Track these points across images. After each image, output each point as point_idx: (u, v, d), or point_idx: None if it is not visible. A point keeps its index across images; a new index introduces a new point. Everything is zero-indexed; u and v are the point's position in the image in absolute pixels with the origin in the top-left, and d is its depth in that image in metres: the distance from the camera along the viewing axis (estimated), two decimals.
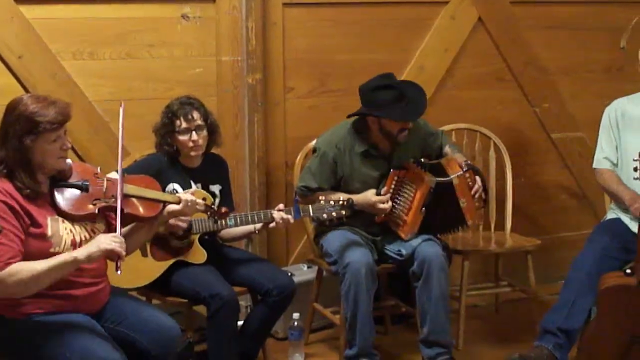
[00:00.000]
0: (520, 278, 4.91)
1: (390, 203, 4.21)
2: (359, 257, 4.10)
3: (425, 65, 5.14)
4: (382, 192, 4.21)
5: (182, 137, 3.99)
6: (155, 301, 4.08)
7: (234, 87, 4.74)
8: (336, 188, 4.31)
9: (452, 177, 4.22)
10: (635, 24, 5.50)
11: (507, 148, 5.05)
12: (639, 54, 4.29)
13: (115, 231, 3.17)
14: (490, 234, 4.99)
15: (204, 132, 4.03)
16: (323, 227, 4.32)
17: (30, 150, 3.07)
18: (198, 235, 3.99)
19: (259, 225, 4.03)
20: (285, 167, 4.91)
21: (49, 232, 3.10)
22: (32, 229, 3.07)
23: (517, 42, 5.33)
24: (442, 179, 4.20)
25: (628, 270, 3.71)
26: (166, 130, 4.02)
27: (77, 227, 3.18)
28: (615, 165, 4.37)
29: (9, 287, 2.97)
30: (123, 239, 3.12)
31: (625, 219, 4.28)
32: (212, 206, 3.75)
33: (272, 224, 3.98)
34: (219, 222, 3.86)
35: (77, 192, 3.22)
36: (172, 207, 3.47)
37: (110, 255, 3.09)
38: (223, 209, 3.76)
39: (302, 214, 4.00)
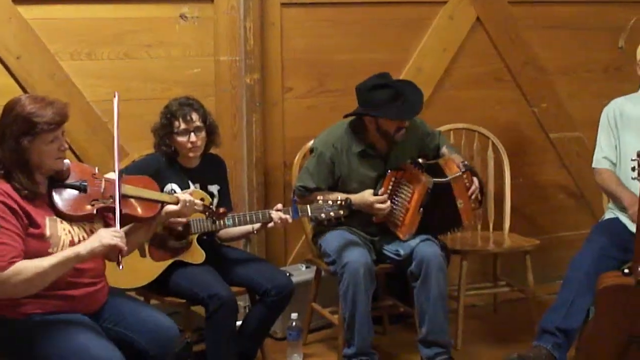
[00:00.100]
0: (518, 278, 4.92)
1: (388, 204, 4.21)
2: (357, 257, 4.10)
3: (423, 65, 5.14)
4: (380, 193, 4.21)
5: (181, 138, 3.99)
6: (153, 301, 4.08)
7: (232, 87, 4.74)
8: (334, 188, 4.31)
9: (449, 177, 4.22)
10: (633, 24, 5.51)
11: (506, 148, 5.05)
12: (637, 53, 4.29)
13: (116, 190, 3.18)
14: (488, 234, 4.99)
15: (203, 134, 4.03)
16: (321, 227, 4.33)
17: (27, 151, 3.07)
18: (196, 236, 3.99)
19: (257, 226, 4.03)
20: (283, 167, 4.90)
21: (48, 233, 3.10)
22: (31, 230, 3.07)
23: (515, 42, 5.33)
24: (440, 179, 4.20)
25: (626, 270, 3.71)
26: (165, 131, 4.01)
27: (75, 227, 3.18)
28: (615, 164, 4.37)
29: (14, 287, 2.97)
30: (123, 233, 3.14)
31: (624, 218, 4.28)
32: (210, 206, 3.75)
33: (271, 224, 3.99)
34: (217, 222, 3.86)
35: (75, 192, 3.22)
36: (170, 208, 3.47)
37: (112, 250, 3.09)
38: (221, 209, 3.76)
39: (300, 214, 4.01)
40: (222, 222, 3.89)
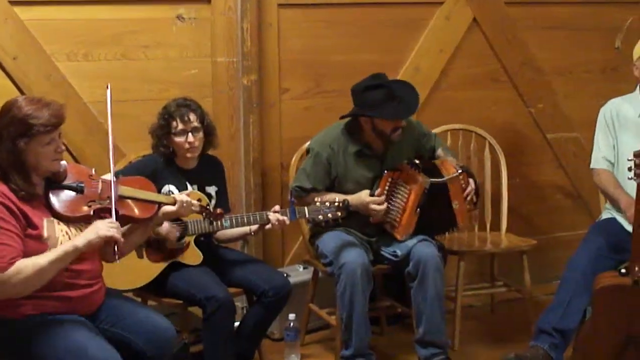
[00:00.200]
0: (515, 278, 4.92)
1: (384, 204, 4.21)
2: (355, 257, 4.10)
3: (420, 66, 5.14)
4: (376, 194, 4.21)
5: (178, 139, 3.99)
6: (150, 302, 4.08)
7: (229, 88, 4.74)
8: (330, 189, 4.31)
9: (446, 178, 4.22)
10: (630, 24, 5.52)
11: (503, 148, 5.05)
12: (634, 54, 4.29)
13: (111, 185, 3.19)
14: (485, 234, 5.00)
15: (200, 134, 4.03)
16: (318, 228, 4.32)
17: (23, 153, 3.07)
18: (194, 237, 3.99)
19: (254, 227, 4.03)
20: (280, 168, 4.90)
21: (45, 234, 3.09)
22: (29, 231, 3.07)
23: (512, 42, 5.33)
24: (436, 179, 4.20)
25: (623, 270, 3.72)
26: (162, 131, 4.02)
27: (72, 228, 3.18)
28: (613, 164, 4.37)
29: (13, 286, 2.98)
30: (119, 224, 3.15)
31: (620, 219, 4.29)
32: (208, 207, 3.75)
33: (268, 226, 3.99)
34: (214, 223, 3.86)
35: (72, 193, 3.22)
36: (167, 208, 3.48)
37: (109, 240, 3.10)
38: (218, 210, 3.77)
39: (297, 215, 4.01)
40: (219, 223, 3.89)
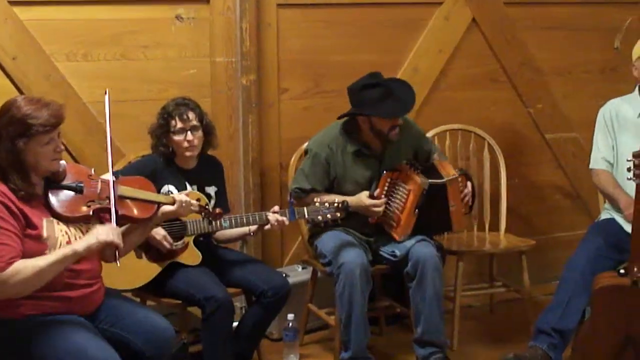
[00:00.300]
0: (514, 278, 4.92)
1: (383, 205, 4.21)
2: (354, 258, 4.10)
3: (419, 66, 5.14)
4: (375, 194, 4.21)
5: (178, 137, 4.00)
6: (149, 303, 4.08)
7: (228, 88, 4.74)
8: (330, 189, 4.31)
9: (446, 179, 4.22)
10: (629, 24, 5.52)
11: (502, 149, 5.06)
12: (633, 54, 4.29)
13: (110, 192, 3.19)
14: (484, 235, 5.00)
15: (199, 133, 4.03)
16: (317, 228, 4.32)
17: (23, 153, 3.07)
18: (193, 237, 3.99)
19: (253, 227, 4.03)
20: (279, 168, 4.90)
21: (45, 234, 3.09)
22: (28, 231, 3.07)
23: (511, 42, 5.33)
24: (435, 180, 4.19)
25: (622, 271, 3.72)
26: (162, 130, 4.02)
27: (71, 228, 3.18)
28: (612, 165, 4.37)
29: (12, 287, 2.97)
30: (119, 229, 3.15)
31: (619, 219, 4.29)
32: (207, 207, 3.75)
33: (267, 226, 3.99)
34: (213, 223, 3.86)
35: (71, 193, 3.21)
36: (166, 208, 3.48)
37: (109, 246, 3.09)
38: (217, 210, 3.77)
39: (297, 216, 4.01)
40: (218, 223, 3.89)
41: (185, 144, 3.99)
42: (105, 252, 3.25)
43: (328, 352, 4.61)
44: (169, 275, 3.94)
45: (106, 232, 3.09)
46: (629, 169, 3.69)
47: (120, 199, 3.28)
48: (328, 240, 4.26)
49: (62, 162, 3.21)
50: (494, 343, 4.74)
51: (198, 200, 3.70)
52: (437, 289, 4.17)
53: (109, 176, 3.30)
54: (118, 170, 3.81)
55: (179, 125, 3.99)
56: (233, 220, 3.96)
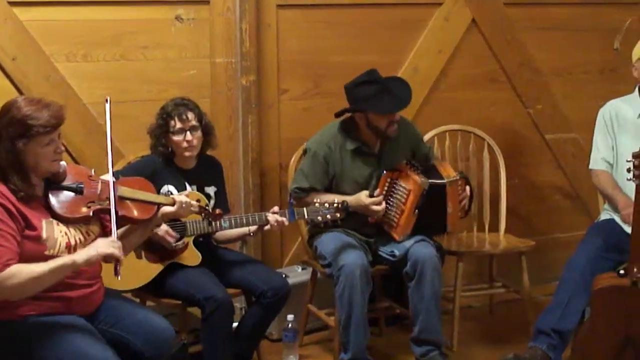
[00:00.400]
0: (514, 279, 4.92)
1: (383, 205, 4.21)
2: (354, 259, 4.10)
3: (419, 66, 5.14)
4: (375, 194, 4.21)
5: (177, 138, 4.00)
6: (149, 303, 4.09)
7: (228, 89, 4.74)
8: (329, 189, 4.31)
9: (447, 180, 4.21)
10: (628, 25, 5.52)
11: (501, 149, 5.05)
12: (633, 55, 4.29)
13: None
14: (484, 235, 5.00)
15: (199, 133, 4.03)
16: (317, 229, 4.32)
17: (22, 153, 3.07)
18: (192, 238, 3.99)
19: (253, 228, 4.03)
20: (279, 169, 4.90)
21: (44, 235, 3.09)
22: (27, 232, 3.07)
23: (510, 43, 5.33)
24: (436, 180, 4.19)
25: (621, 271, 3.72)
26: (161, 131, 4.02)
27: (71, 229, 3.18)
28: (612, 165, 4.37)
29: (6, 289, 2.97)
30: (120, 243, 3.12)
31: (619, 219, 4.29)
32: (207, 207, 3.75)
33: (267, 227, 3.99)
34: (213, 223, 3.86)
35: (71, 194, 3.21)
36: (166, 209, 3.47)
37: (109, 259, 3.08)
38: (217, 211, 3.77)
39: (296, 216, 4.01)
40: (218, 223, 3.89)
41: (185, 144, 4.00)
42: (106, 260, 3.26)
43: (327, 353, 4.61)
44: (168, 276, 3.94)
45: (107, 245, 3.08)
46: (628, 170, 3.69)
47: (120, 199, 3.28)
48: (328, 242, 4.26)
49: (63, 163, 3.21)
50: (494, 344, 4.74)
51: (198, 201, 3.70)
52: (436, 289, 4.17)
53: (109, 177, 3.29)
54: (118, 170, 3.81)
55: (178, 125, 3.99)
56: (233, 221, 3.96)
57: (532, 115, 5.47)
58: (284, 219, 3.98)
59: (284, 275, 4.39)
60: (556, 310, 4.15)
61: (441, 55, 5.21)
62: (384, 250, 4.33)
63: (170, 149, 4.04)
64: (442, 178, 4.22)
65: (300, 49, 4.89)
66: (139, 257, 3.92)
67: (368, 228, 4.34)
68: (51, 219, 3.15)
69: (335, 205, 3.98)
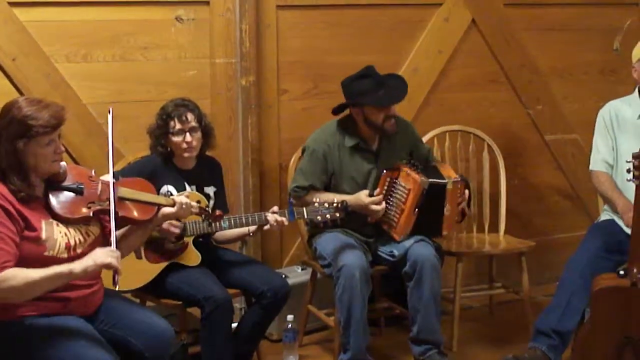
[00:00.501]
0: (514, 280, 4.92)
1: (383, 205, 4.21)
2: (353, 260, 4.10)
3: (418, 67, 5.14)
4: (375, 194, 4.21)
5: (176, 139, 3.99)
6: (149, 303, 4.09)
7: (228, 90, 4.74)
8: (328, 187, 4.32)
9: (448, 181, 4.21)
10: (628, 26, 5.52)
11: (501, 150, 5.06)
12: (633, 56, 4.29)
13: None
14: (484, 236, 5.00)
15: (198, 134, 4.03)
16: (316, 229, 4.32)
17: (22, 154, 3.06)
18: (192, 238, 3.99)
19: (253, 228, 4.03)
20: (279, 169, 4.91)
21: (44, 236, 3.09)
22: (27, 233, 3.06)
23: (510, 43, 5.34)
24: (436, 180, 4.18)
25: (622, 272, 3.72)
26: (160, 131, 4.02)
27: (71, 230, 3.18)
28: (612, 167, 4.37)
29: (1, 292, 2.96)
30: (119, 253, 3.11)
31: (619, 220, 4.29)
32: (207, 209, 3.75)
33: (267, 227, 3.99)
34: (213, 224, 3.86)
35: (71, 195, 3.21)
36: (166, 210, 3.47)
37: (107, 268, 3.08)
38: (217, 212, 3.77)
39: (296, 216, 4.01)
40: (218, 224, 3.89)
41: (184, 145, 3.99)
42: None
43: (327, 353, 4.61)
44: (168, 276, 3.93)
45: (105, 255, 3.06)
46: (628, 170, 3.69)
47: (120, 200, 3.28)
48: (327, 242, 4.26)
49: (63, 163, 3.21)
50: (494, 344, 4.74)
51: (198, 202, 3.70)
52: (435, 289, 4.17)
53: (109, 178, 3.29)
54: (118, 171, 3.80)
55: (178, 126, 3.99)
56: (232, 221, 3.96)
57: (532, 115, 5.48)
58: (283, 218, 3.98)
59: (283, 276, 4.39)
60: (556, 310, 4.15)
61: (441, 56, 5.21)
62: (384, 250, 4.33)
63: (169, 149, 4.04)
64: (443, 178, 4.21)
65: (300, 50, 4.89)
66: (139, 257, 3.92)
67: (367, 228, 4.34)
68: (51, 220, 3.14)
69: (334, 205, 3.98)
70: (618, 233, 4.24)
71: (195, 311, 3.98)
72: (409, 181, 4.18)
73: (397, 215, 4.23)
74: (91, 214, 3.21)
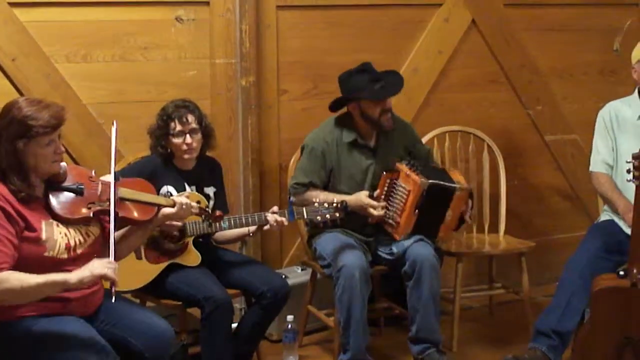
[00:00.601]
0: (514, 280, 4.92)
1: (383, 205, 4.21)
2: (353, 260, 4.10)
3: (418, 67, 5.14)
4: (375, 195, 4.21)
5: (176, 140, 3.99)
6: (149, 303, 4.09)
7: (228, 90, 4.74)
8: (326, 185, 4.32)
9: (458, 186, 4.20)
10: (628, 26, 5.52)
11: (501, 150, 5.06)
12: (633, 57, 4.29)
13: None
14: (484, 236, 5.00)
15: (199, 136, 4.03)
16: (316, 229, 4.32)
17: (22, 154, 3.06)
18: (192, 238, 3.99)
19: (253, 228, 4.03)
20: (279, 169, 4.91)
21: (44, 237, 3.08)
22: (27, 233, 3.06)
23: (510, 44, 5.34)
24: (444, 183, 4.18)
25: (621, 272, 3.72)
26: (161, 132, 4.02)
27: (71, 230, 3.18)
28: (612, 167, 4.37)
29: None
30: (117, 265, 3.10)
31: (619, 220, 4.29)
32: (207, 209, 3.75)
33: (266, 227, 3.99)
34: (213, 225, 3.86)
35: (72, 195, 3.21)
36: (166, 211, 3.46)
37: (103, 279, 3.07)
38: (217, 212, 3.77)
39: (296, 216, 4.01)
40: (218, 224, 3.89)
41: (184, 147, 3.99)
42: (103, 253, 3.25)
43: (327, 354, 4.61)
44: (168, 276, 3.93)
45: (101, 266, 3.05)
46: (628, 171, 3.69)
47: (120, 201, 3.28)
48: (327, 242, 4.26)
49: (63, 164, 3.21)
50: (494, 344, 4.74)
51: (198, 202, 3.70)
52: (434, 289, 4.17)
53: (109, 178, 3.29)
54: (118, 171, 3.80)
55: (178, 127, 3.98)
56: (232, 221, 3.96)
57: (532, 116, 5.48)
58: (283, 219, 3.98)
59: (283, 276, 4.39)
60: (556, 311, 4.15)
61: (441, 56, 5.21)
62: (383, 250, 4.33)
63: (169, 150, 4.04)
64: (453, 182, 4.21)
65: (300, 50, 4.89)
66: (139, 257, 3.92)
67: (367, 228, 4.35)
68: (51, 220, 3.14)
69: (334, 205, 3.98)
70: (618, 233, 4.24)
71: (195, 311, 3.98)
72: (409, 182, 4.18)
73: (398, 216, 4.23)
74: (91, 215, 3.21)
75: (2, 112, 3.11)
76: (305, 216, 4.03)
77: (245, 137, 4.78)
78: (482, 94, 5.35)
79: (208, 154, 4.19)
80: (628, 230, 3.91)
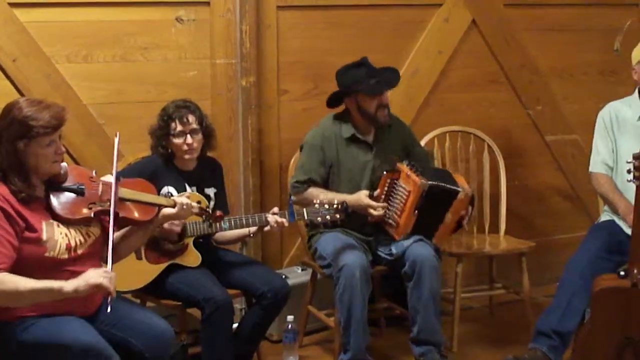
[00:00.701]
0: (514, 280, 4.92)
1: (383, 205, 4.21)
2: (353, 260, 4.10)
3: (419, 67, 5.14)
4: (375, 195, 4.21)
5: (177, 140, 3.99)
6: (149, 304, 4.09)
7: (228, 90, 4.74)
8: (326, 182, 4.32)
9: (461, 190, 4.19)
10: (628, 26, 5.52)
11: (501, 150, 5.06)
12: (633, 58, 4.29)
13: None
14: (484, 236, 5.00)
15: (199, 136, 4.03)
16: (316, 229, 4.32)
17: (23, 154, 3.07)
18: (192, 239, 3.99)
19: (253, 229, 4.03)
20: (279, 170, 4.90)
21: (44, 237, 3.09)
22: (27, 234, 3.06)
23: (510, 44, 5.34)
24: (436, 183, 4.17)
25: (622, 272, 3.71)
26: (161, 132, 4.02)
27: (72, 230, 3.18)
28: (612, 168, 4.37)
29: None
30: (114, 274, 3.08)
31: (619, 221, 4.29)
32: (207, 209, 3.75)
33: (267, 228, 3.99)
34: (213, 225, 3.86)
35: (72, 196, 3.21)
36: (167, 211, 3.46)
37: (99, 289, 3.05)
38: (218, 213, 3.76)
39: (296, 217, 4.01)
40: (218, 225, 3.89)
41: (185, 147, 3.99)
42: (103, 253, 3.25)
43: (327, 354, 4.61)
44: (168, 277, 3.93)
45: (97, 276, 3.03)
46: (628, 171, 3.69)
47: (121, 201, 3.28)
48: (327, 242, 4.26)
49: (64, 164, 3.21)
50: (494, 345, 4.74)
51: (199, 202, 3.70)
52: (434, 289, 4.17)
53: (110, 178, 3.29)
54: (118, 171, 3.80)
55: (179, 128, 3.98)
56: (232, 222, 3.96)
57: (532, 116, 5.48)
58: (283, 219, 3.98)
59: (283, 276, 4.39)
60: (556, 311, 4.15)
61: (441, 56, 5.21)
62: (383, 250, 4.33)
63: (170, 150, 4.04)
64: (457, 186, 4.21)
65: (300, 50, 4.89)
66: (139, 257, 3.92)
67: (367, 228, 4.35)
68: (51, 221, 3.14)
69: (334, 206, 3.98)
70: (618, 234, 4.24)
71: (196, 312, 3.98)
72: (409, 183, 4.18)
73: (398, 216, 4.23)
74: (92, 215, 3.21)
75: (2, 112, 3.12)
76: (306, 217, 4.03)
77: (245, 137, 4.78)
78: (482, 94, 5.35)
79: (208, 154, 4.19)
80: (628, 231, 3.91)
